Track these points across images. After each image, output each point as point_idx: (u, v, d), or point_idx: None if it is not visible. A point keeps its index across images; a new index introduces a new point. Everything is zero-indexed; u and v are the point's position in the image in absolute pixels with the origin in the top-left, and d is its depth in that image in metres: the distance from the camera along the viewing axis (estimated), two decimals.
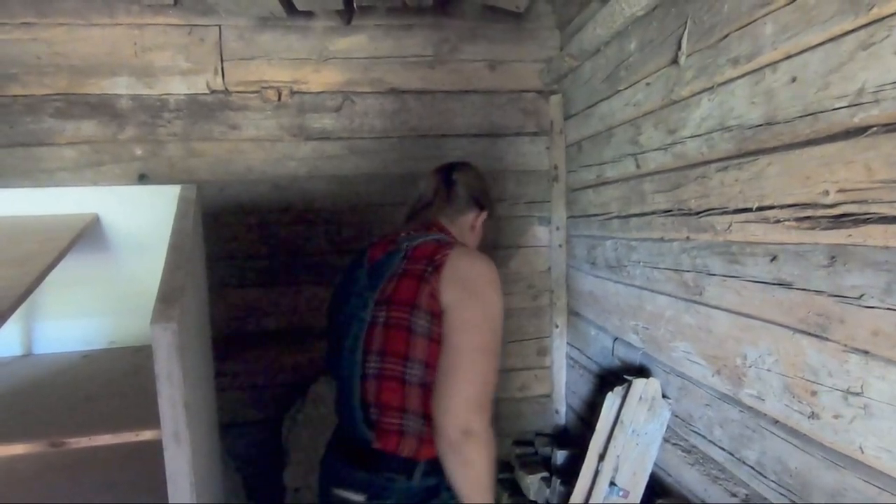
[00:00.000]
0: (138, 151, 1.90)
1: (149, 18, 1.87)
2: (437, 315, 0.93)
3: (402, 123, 2.05)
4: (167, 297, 0.65)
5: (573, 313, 2.12)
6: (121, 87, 1.87)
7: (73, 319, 1.09)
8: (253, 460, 2.00)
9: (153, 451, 0.65)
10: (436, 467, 0.92)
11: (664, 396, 1.39)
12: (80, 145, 1.87)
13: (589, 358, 1.95)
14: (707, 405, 1.24)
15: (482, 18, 2.05)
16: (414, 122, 2.06)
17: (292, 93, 1.98)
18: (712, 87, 1.16)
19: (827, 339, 0.88)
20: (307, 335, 2.03)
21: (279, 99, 1.97)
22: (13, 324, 0.77)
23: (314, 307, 2.03)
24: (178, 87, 1.90)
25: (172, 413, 0.61)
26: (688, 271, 1.28)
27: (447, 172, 1.20)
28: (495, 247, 2.15)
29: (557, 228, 2.15)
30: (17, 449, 0.62)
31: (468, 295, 0.94)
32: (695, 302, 1.26)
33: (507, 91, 2.11)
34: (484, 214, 1.21)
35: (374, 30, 2.01)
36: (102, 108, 1.87)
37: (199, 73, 1.91)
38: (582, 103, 1.90)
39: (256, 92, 1.96)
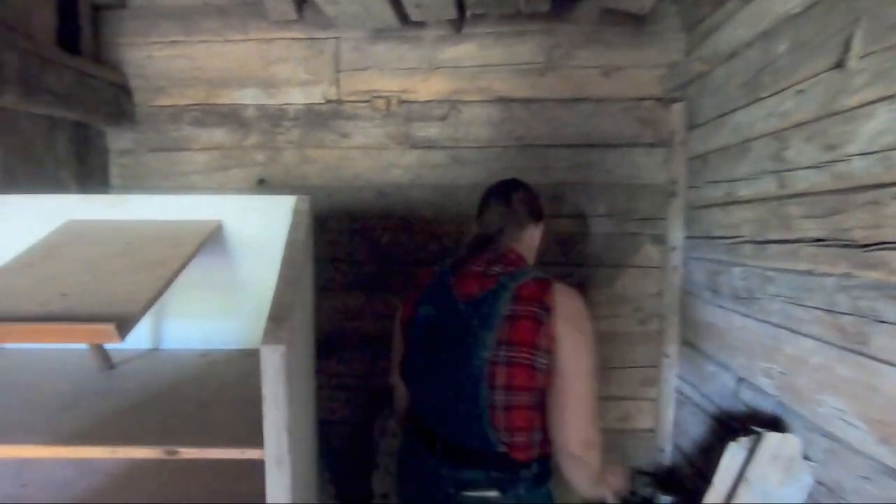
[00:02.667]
0: (259, 157, 2.04)
1: (276, 33, 1.99)
2: (552, 351, 1.08)
3: (508, 133, 1.99)
4: (277, 317, 0.65)
5: (687, 344, 1.91)
6: (248, 97, 2.01)
7: (194, 319, 1.17)
8: (338, 462, 2.04)
9: (259, 467, 0.66)
10: (543, 462, 1.14)
11: (805, 458, 1.18)
12: (211, 151, 2.05)
13: (704, 396, 1.75)
14: (866, 478, 1.02)
15: (599, 22, 1.92)
16: (520, 131, 1.99)
17: (400, 102, 2.01)
18: (892, 96, 0.96)
19: None
20: None
21: (388, 108, 2.01)
22: (145, 320, 0.82)
23: None
24: (296, 97, 2.01)
25: (277, 438, 0.61)
26: (846, 314, 1.08)
27: (506, 194, 1.27)
28: (599, 265, 2.01)
29: (673, 249, 1.96)
30: (137, 453, 0.65)
31: (574, 328, 1.10)
32: (854, 352, 1.05)
33: (622, 99, 1.97)
34: (542, 225, 1.32)
35: (484, 37, 1.97)
36: (232, 117, 2.03)
37: (317, 84, 2.00)
38: (711, 112, 1.70)
39: (367, 101, 2.01)
